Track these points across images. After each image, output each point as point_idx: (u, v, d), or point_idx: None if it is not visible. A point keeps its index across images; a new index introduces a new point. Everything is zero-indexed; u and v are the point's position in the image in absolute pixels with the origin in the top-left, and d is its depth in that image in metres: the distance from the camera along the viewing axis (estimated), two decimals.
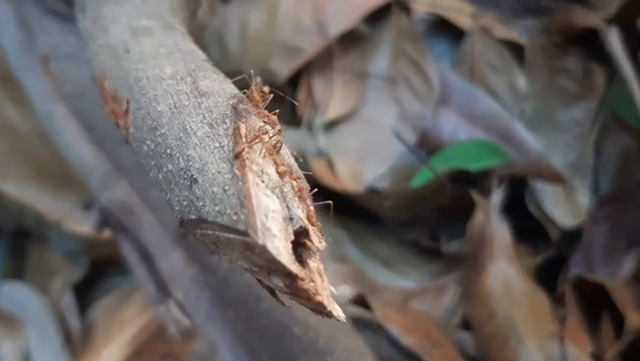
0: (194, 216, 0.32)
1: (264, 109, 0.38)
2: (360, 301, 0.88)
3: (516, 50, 1.05)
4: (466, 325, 0.90)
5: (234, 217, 0.30)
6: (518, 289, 0.86)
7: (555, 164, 1.00)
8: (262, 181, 0.31)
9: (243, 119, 0.35)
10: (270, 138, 0.34)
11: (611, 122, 1.05)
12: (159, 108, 0.37)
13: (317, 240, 0.31)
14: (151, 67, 0.41)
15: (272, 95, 0.37)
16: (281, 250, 0.29)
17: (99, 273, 1.09)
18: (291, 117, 1.06)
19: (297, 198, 0.32)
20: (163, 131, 0.36)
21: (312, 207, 0.34)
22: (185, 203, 0.33)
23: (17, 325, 1.03)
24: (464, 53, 1.05)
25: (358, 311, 0.86)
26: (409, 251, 0.99)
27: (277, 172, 0.33)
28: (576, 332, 0.82)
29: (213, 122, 0.35)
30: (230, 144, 0.33)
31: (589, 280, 0.92)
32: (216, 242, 0.32)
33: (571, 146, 1.03)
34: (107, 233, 0.85)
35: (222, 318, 0.70)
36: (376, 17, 1.08)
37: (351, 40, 1.06)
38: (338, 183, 0.98)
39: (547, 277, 0.97)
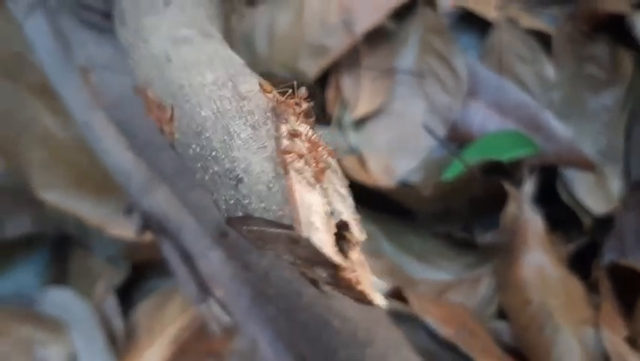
0: (241, 214, 0.34)
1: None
2: (397, 294, 0.89)
3: (543, 40, 1.05)
4: (502, 315, 0.91)
5: (279, 213, 0.32)
6: (552, 276, 0.86)
7: (586, 151, 1.00)
8: (304, 178, 0.33)
9: (284, 120, 0.37)
10: (308, 136, 0.36)
11: None
12: (203, 113, 0.39)
13: (357, 232, 0.33)
14: (193, 74, 0.42)
15: (312, 103, 0.39)
16: (324, 241, 0.30)
17: (140, 275, 1.12)
18: (321, 115, 1.08)
19: (336, 190, 0.34)
20: (208, 135, 0.38)
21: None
22: (231, 202, 0.35)
23: (63, 329, 1.06)
24: (491, 44, 1.05)
25: (395, 304, 0.88)
26: (443, 244, 1.00)
27: (317, 168, 0.35)
28: (611, 317, 0.83)
29: (255, 125, 0.37)
30: (273, 143, 0.35)
31: (622, 266, 0.92)
32: (262, 237, 0.34)
33: (601, 133, 1.03)
34: (148, 236, 0.87)
35: (263, 314, 0.72)
36: (402, 12, 1.09)
37: (377, 36, 1.08)
38: (370, 179, 0.99)
39: (581, 264, 0.98)
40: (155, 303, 1.07)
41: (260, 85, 0.38)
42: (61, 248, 1.15)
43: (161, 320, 1.05)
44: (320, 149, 0.36)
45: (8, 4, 0.89)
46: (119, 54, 0.71)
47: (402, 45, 1.07)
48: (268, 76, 1.09)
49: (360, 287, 0.31)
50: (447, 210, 1.00)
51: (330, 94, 1.07)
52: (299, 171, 0.33)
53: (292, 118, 0.37)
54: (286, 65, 1.07)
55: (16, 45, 0.96)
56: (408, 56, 1.07)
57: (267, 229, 0.32)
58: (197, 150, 0.39)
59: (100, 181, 1.00)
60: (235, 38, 1.12)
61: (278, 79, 1.07)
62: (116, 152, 0.81)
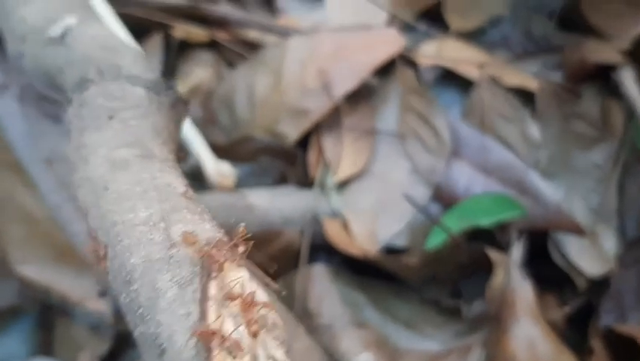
0: None
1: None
2: None
3: (527, 97, 1.03)
4: None
5: None
6: (544, 351, 0.83)
7: (577, 210, 0.97)
8: (230, 352, 0.31)
9: (214, 276, 0.34)
10: (242, 294, 0.34)
11: (635, 160, 1.02)
12: (132, 260, 0.37)
13: None
14: (126, 209, 0.40)
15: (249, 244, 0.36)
16: None
17: (124, 343, 1.10)
18: (303, 178, 1.05)
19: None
20: (136, 287, 0.36)
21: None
22: None
23: None
24: (473, 103, 1.03)
25: None
26: (431, 310, 0.97)
27: (249, 332, 0.32)
28: None
29: (182, 282, 0.34)
30: (198, 311, 0.32)
31: (620, 333, 0.89)
32: None
33: (593, 190, 1.00)
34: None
35: None
36: (382, 71, 1.07)
37: (358, 96, 1.06)
38: (353, 247, 0.96)
39: (577, 326, 0.94)
40: None
41: (183, 236, 0.35)
42: (46, 317, 1.13)
43: None
44: (255, 306, 0.34)
45: None
46: None
47: (382, 104, 1.05)
48: (248, 140, 1.07)
49: None
50: (434, 276, 0.97)
51: (312, 156, 1.05)
52: (225, 349, 0.30)
53: (226, 269, 0.35)
54: (267, 129, 1.05)
55: None
56: (389, 115, 1.04)
57: None
58: (127, 300, 0.36)
59: (77, 256, 0.98)
60: (215, 100, 1.11)
61: (258, 143, 1.05)
62: (85, 235, 0.80)
